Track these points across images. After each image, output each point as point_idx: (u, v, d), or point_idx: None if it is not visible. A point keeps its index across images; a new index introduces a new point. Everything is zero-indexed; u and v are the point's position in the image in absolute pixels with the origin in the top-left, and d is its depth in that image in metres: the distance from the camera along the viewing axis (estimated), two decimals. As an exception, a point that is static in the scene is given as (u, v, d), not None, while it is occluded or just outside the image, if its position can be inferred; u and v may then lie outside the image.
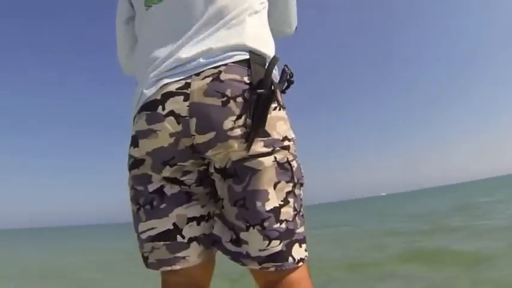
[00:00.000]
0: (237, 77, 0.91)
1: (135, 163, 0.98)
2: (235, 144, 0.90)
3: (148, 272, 1.05)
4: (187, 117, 0.89)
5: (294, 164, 0.95)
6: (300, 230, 0.95)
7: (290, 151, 0.95)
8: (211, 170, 0.97)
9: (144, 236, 0.98)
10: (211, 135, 0.89)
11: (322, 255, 5.35)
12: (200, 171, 0.98)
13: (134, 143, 0.97)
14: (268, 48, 0.99)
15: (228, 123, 0.89)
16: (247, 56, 0.93)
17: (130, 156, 0.99)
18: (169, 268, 0.98)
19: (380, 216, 16.65)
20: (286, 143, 0.94)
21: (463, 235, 6.42)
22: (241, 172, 0.92)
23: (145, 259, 1.01)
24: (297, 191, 0.95)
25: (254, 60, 0.93)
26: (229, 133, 0.89)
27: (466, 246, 5.21)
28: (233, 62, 0.92)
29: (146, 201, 0.97)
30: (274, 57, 0.94)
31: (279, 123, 0.94)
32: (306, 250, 0.96)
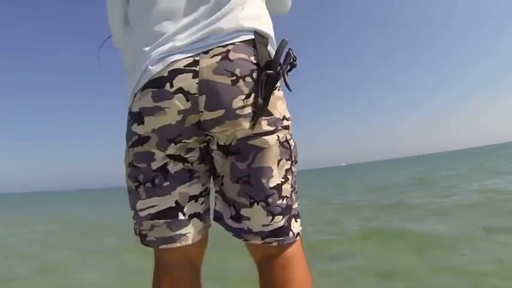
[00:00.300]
0: (245, 57, 0.93)
1: (139, 140, 0.97)
2: (243, 123, 0.92)
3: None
4: (197, 95, 0.91)
5: (292, 142, 1.01)
6: (295, 205, 1.03)
7: (289, 130, 1.01)
8: (213, 147, 1.00)
9: (143, 214, 1.00)
10: (220, 112, 0.91)
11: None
12: (201, 148, 1.00)
13: (138, 119, 0.95)
14: (269, 29, 1.02)
15: (237, 102, 0.91)
16: (252, 36, 0.96)
17: (134, 134, 0.97)
18: (169, 246, 0.99)
19: (339, 187, 16.44)
20: (285, 122, 0.99)
21: (423, 213, 6.07)
22: (245, 150, 0.96)
23: (143, 237, 1.02)
24: (293, 169, 1.02)
25: (259, 40, 0.97)
26: (238, 111, 0.91)
27: (426, 227, 4.85)
28: (240, 42, 0.94)
29: (147, 179, 0.98)
30: (284, 40, 0.94)
31: (278, 102, 0.98)
32: (300, 225, 1.04)
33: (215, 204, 1.06)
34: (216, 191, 1.05)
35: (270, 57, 0.96)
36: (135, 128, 0.97)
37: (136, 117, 0.96)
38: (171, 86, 0.91)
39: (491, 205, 6.04)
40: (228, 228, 1.02)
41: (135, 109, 0.96)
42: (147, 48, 0.95)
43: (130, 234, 1.05)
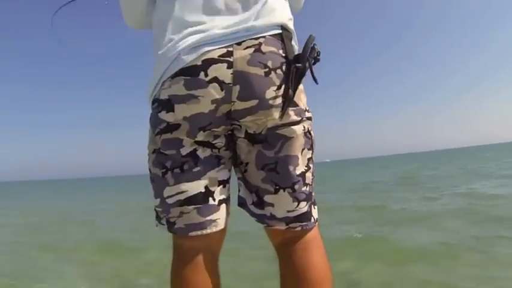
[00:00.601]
0: (275, 50, 0.98)
1: (168, 127, 0.98)
2: (275, 113, 0.97)
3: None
4: (231, 84, 0.94)
5: (313, 133, 1.07)
6: (314, 192, 1.09)
7: (311, 121, 1.07)
8: (240, 135, 1.03)
9: (171, 201, 1.00)
10: (253, 102, 0.95)
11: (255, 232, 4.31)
12: (226, 135, 1.04)
13: (167, 107, 0.97)
14: (292, 24, 1.06)
15: (270, 93, 0.96)
16: (279, 31, 1.01)
17: (162, 121, 0.99)
18: (199, 233, 1.00)
19: (319, 185, 15.71)
20: (307, 114, 1.05)
21: (405, 218, 5.51)
22: (273, 138, 1.01)
23: (171, 224, 1.01)
24: (313, 158, 1.08)
25: (285, 35, 1.02)
26: (271, 102, 0.96)
27: (407, 235, 4.31)
28: (270, 35, 0.99)
29: (175, 165, 0.99)
30: (311, 35, 0.98)
31: (302, 95, 1.03)
32: (317, 211, 1.10)
33: (239, 191, 1.12)
34: (239, 178, 1.11)
35: (294, 51, 1.02)
36: (163, 115, 0.98)
37: (164, 105, 0.98)
38: (206, 75, 0.93)
39: (478, 211, 5.58)
40: (252, 214, 1.08)
41: (164, 96, 0.98)
42: (177, 37, 0.98)
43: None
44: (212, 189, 1.02)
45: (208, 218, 1.01)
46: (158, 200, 1.04)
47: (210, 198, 1.02)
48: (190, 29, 0.98)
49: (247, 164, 1.06)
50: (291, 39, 1.03)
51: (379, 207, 6.85)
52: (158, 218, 1.06)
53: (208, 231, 1.01)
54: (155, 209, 1.07)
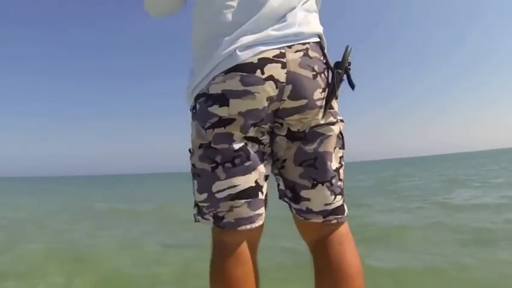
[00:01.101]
0: (318, 56, 1.06)
1: (221, 121, 1.00)
2: (320, 113, 1.05)
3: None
4: (284, 84, 0.99)
5: (344, 134, 1.12)
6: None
7: (344, 123, 1.12)
8: (281, 132, 1.08)
9: (221, 195, 1.01)
10: (302, 102, 1.02)
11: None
12: (268, 132, 1.08)
13: (221, 101, 0.99)
14: None
15: (317, 94, 1.03)
16: (318, 39, 1.09)
17: (213, 115, 1.00)
18: (248, 227, 1.03)
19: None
20: (340, 117, 1.12)
21: (379, 235, 4.64)
22: (312, 136, 1.07)
23: (219, 219, 1.03)
24: (344, 157, 1.14)
25: (323, 44, 1.10)
26: (317, 103, 1.04)
27: (381, 257, 3.51)
28: (313, 42, 1.06)
29: (226, 159, 1.01)
30: (349, 46, 1.07)
31: (335, 99, 1.10)
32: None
33: (278, 185, 1.17)
34: (276, 174, 1.15)
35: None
36: (215, 109, 1.00)
37: (217, 99, 0.99)
38: (262, 73, 0.97)
39: (458, 225, 4.90)
40: (290, 207, 1.15)
41: (216, 91, 1.00)
42: (230, 34, 1.00)
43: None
44: (261, 183, 1.06)
45: (257, 212, 1.05)
46: (204, 194, 1.04)
47: (260, 193, 1.05)
48: (244, 28, 1.01)
49: (284, 160, 1.11)
50: (325, 48, 1.12)
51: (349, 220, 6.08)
52: (201, 213, 1.07)
53: (256, 224, 1.05)
54: (197, 204, 1.08)
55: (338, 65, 1.07)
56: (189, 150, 1.10)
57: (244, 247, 1.06)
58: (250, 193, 1.03)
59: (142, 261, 3.79)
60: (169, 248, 4.41)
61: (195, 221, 1.10)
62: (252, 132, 1.03)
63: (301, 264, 2.25)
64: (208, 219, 1.06)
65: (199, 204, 1.07)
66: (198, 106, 1.05)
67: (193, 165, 1.07)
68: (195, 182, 1.08)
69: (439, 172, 20.81)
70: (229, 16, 1.03)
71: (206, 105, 1.02)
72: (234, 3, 1.04)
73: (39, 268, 3.55)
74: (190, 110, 1.10)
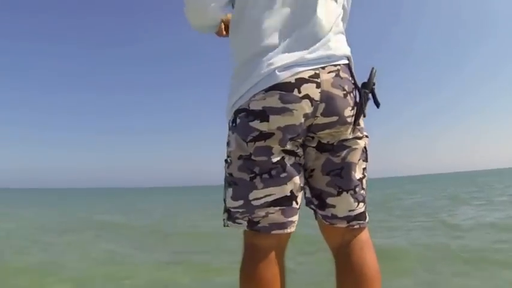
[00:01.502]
0: (347, 77, 1.15)
1: (261, 136, 1.08)
2: (349, 128, 1.14)
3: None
4: (318, 102, 1.08)
5: (368, 148, 1.23)
6: None
7: (368, 139, 1.23)
8: (311, 144, 1.17)
9: (258, 202, 1.10)
10: (334, 118, 1.11)
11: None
12: (301, 145, 1.17)
13: (261, 117, 1.07)
14: None
15: (347, 112, 1.12)
16: (347, 61, 1.18)
17: (254, 129, 1.08)
18: (280, 231, 1.12)
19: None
20: (365, 132, 1.22)
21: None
22: (339, 148, 1.16)
23: (253, 223, 1.11)
24: (367, 168, 1.23)
25: (351, 64, 1.19)
26: (347, 119, 1.13)
27: None
28: (343, 64, 1.15)
29: (264, 170, 1.09)
30: (374, 68, 1.18)
31: (363, 117, 1.19)
32: None
33: (304, 193, 1.22)
34: (304, 183, 1.20)
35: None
36: (256, 124, 1.08)
37: (258, 115, 1.08)
38: (299, 92, 1.06)
39: (460, 247, 4.48)
40: (315, 212, 1.24)
41: (257, 107, 1.08)
42: (269, 55, 1.09)
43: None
44: (296, 193, 1.13)
45: (290, 219, 1.13)
46: (240, 201, 1.11)
47: (294, 202, 1.13)
48: (281, 50, 1.10)
49: (312, 170, 1.20)
50: (353, 69, 1.20)
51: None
52: (232, 218, 1.15)
53: (288, 230, 1.13)
54: (229, 210, 1.15)
55: (365, 85, 1.16)
56: (226, 160, 1.17)
57: (274, 250, 1.14)
58: (285, 202, 1.11)
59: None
60: (138, 265, 4.19)
61: (224, 225, 1.19)
62: (289, 146, 1.11)
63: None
64: (240, 224, 1.13)
65: (232, 210, 1.14)
66: (238, 120, 1.12)
67: (230, 174, 1.15)
68: (230, 189, 1.14)
69: (443, 190, 20.36)
70: (269, 38, 1.11)
71: (247, 120, 1.09)
72: (273, 26, 1.12)
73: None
74: (230, 123, 1.17)
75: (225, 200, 1.17)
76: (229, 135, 1.16)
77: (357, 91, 1.17)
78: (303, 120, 1.09)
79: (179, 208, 17.05)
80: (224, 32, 1.34)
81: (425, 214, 8.65)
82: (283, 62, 1.08)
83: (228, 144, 1.16)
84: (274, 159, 1.09)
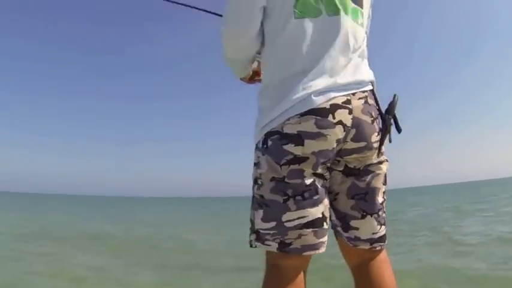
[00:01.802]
0: (373, 103, 1.20)
1: (295, 159, 1.10)
2: (375, 153, 1.20)
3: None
4: (350, 128, 1.13)
5: (387, 172, 1.28)
6: None
7: (388, 163, 1.27)
8: (338, 168, 1.22)
9: (291, 224, 1.11)
10: (362, 144, 1.16)
11: None
12: (328, 168, 1.19)
13: (296, 141, 1.10)
14: None
15: (374, 137, 1.17)
16: (372, 87, 1.23)
17: (288, 153, 1.10)
18: (313, 252, 1.14)
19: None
20: (385, 156, 1.26)
21: None
22: (365, 173, 1.21)
23: (285, 245, 1.12)
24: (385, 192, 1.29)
25: (375, 90, 1.24)
26: (374, 145, 1.18)
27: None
28: (369, 90, 1.21)
29: (297, 193, 1.11)
30: (396, 95, 1.23)
31: (388, 142, 1.25)
32: None
33: (330, 216, 1.22)
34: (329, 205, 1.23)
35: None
36: (291, 147, 1.10)
37: (293, 139, 1.10)
38: (333, 118, 1.10)
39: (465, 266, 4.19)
40: (339, 235, 1.27)
41: (291, 131, 1.10)
42: (303, 81, 1.12)
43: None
44: (326, 215, 1.16)
45: (321, 240, 1.14)
46: (272, 223, 1.12)
47: (325, 223, 1.15)
48: (315, 75, 1.13)
49: (337, 193, 1.23)
50: (376, 94, 1.25)
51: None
52: (260, 239, 1.15)
53: (320, 251, 1.14)
54: (258, 231, 1.16)
55: (388, 111, 1.21)
56: (256, 181, 1.18)
57: (300, 270, 1.17)
58: (317, 223, 1.13)
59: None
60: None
61: (251, 246, 1.19)
62: (320, 170, 1.14)
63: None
64: (269, 245, 1.13)
65: (262, 231, 1.15)
66: (270, 143, 1.14)
67: (261, 196, 1.15)
68: (261, 211, 1.15)
69: (446, 201, 20.04)
70: (302, 62, 1.15)
71: (281, 143, 1.11)
72: (306, 51, 1.15)
73: None
74: (260, 145, 1.18)
75: (253, 221, 1.18)
76: (258, 157, 1.17)
77: (381, 117, 1.21)
78: (335, 145, 1.12)
79: (176, 219, 16.84)
80: (250, 78, 1.50)
81: (429, 228, 8.39)
82: (317, 87, 1.11)
83: (258, 165, 1.17)
84: (307, 182, 1.12)
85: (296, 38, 1.16)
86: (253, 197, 1.19)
